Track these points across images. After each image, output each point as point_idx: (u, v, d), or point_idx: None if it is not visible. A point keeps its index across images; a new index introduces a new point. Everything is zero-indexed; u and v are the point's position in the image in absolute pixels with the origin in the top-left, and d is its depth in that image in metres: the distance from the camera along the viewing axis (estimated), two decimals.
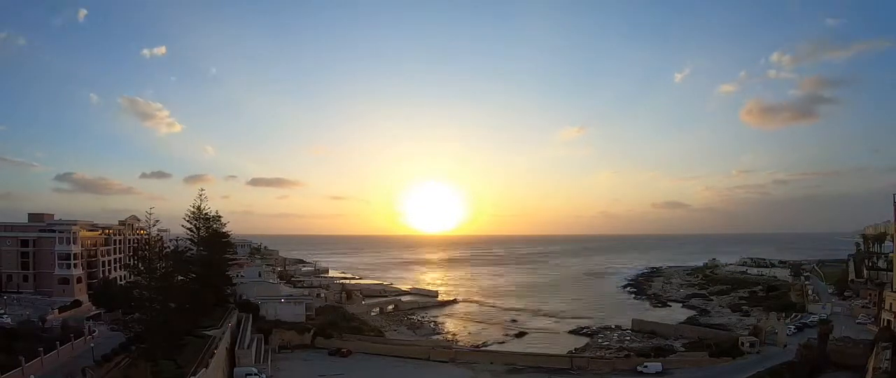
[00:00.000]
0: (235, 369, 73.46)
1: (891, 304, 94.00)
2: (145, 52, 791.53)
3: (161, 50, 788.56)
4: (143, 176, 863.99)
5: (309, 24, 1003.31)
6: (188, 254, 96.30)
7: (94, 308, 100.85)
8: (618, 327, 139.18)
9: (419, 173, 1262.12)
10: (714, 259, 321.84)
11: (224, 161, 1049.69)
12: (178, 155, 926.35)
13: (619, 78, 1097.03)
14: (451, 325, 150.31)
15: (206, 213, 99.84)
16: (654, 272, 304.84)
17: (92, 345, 64.91)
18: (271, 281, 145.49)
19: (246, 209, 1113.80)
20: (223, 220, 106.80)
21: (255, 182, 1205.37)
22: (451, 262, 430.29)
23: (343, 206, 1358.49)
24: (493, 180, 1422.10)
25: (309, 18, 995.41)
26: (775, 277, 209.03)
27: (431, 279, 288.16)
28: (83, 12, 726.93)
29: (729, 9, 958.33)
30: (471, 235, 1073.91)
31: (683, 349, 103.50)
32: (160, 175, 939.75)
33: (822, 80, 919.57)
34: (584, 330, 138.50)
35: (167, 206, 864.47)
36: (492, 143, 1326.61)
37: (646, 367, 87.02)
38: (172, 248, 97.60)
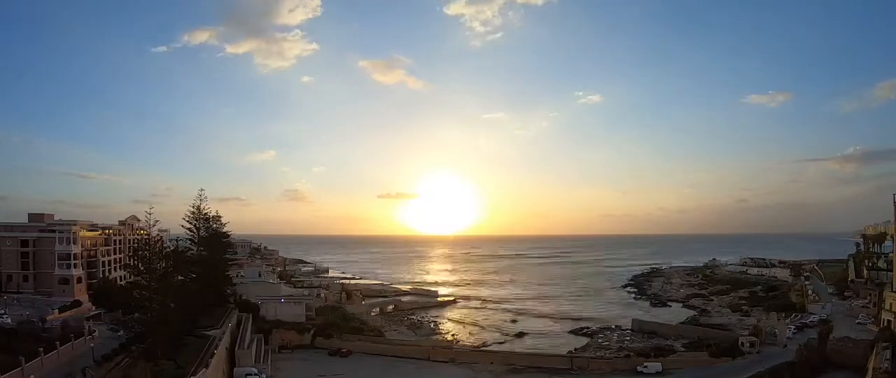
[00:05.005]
0: (235, 369, 73.54)
1: (891, 304, 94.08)
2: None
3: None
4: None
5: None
6: (188, 254, 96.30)
7: (94, 308, 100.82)
8: (618, 327, 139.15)
9: (445, 181, 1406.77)
10: (714, 259, 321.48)
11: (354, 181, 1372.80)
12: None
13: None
14: (451, 325, 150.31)
15: (205, 213, 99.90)
16: (654, 272, 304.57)
17: (92, 345, 64.83)
18: (271, 281, 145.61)
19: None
20: (223, 220, 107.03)
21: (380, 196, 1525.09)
22: (453, 262, 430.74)
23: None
24: (506, 185, 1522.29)
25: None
26: (775, 277, 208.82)
27: (441, 278, 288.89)
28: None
29: None
30: (482, 236, 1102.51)
31: (683, 349, 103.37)
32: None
33: None
34: (584, 330, 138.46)
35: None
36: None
37: (646, 367, 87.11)
38: (172, 248, 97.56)
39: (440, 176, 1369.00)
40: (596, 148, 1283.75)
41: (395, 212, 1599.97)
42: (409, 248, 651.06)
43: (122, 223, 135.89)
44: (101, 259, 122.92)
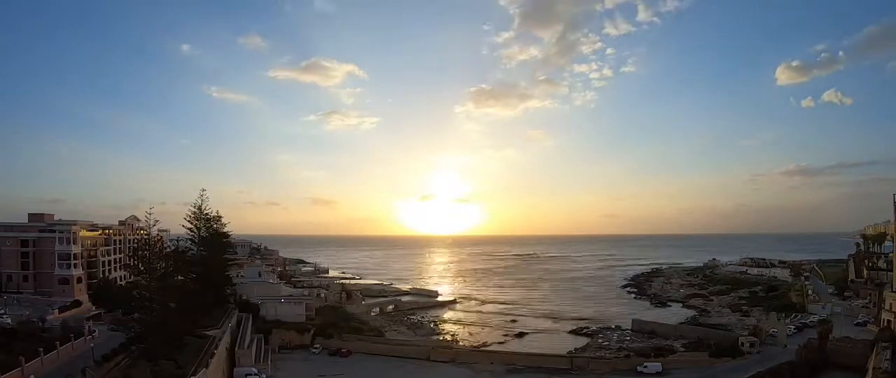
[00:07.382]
0: (235, 369, 73.51)
1: (891, 304, 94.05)
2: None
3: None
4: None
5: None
6: (188, 254, 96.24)
7: (94, 308, 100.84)
8: (618, 327, 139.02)
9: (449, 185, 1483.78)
10: (714, 259, 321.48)
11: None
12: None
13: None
14: (451, 325, 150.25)
15: (206, 214, 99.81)
16: (654, 272, 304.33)
17: (92, 345, 64.78)
18: (271, 281, 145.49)
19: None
20: (223, 220, 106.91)
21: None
22: (454, 262, 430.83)
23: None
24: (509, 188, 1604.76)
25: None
26: (775, 277, 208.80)
27: (441, 278, 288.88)
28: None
29: None
30: (483, 236, 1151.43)
31: (683, 349, 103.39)
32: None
33: None
34: (584, 330, 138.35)
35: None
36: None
37: (646, 367, 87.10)
38: (172, 248, 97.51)
39: (453, 183, 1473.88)
40: (596, 157, 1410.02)
41: (407, 214, 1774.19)
42: (424, 247, 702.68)
43: (122, 223, 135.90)
44: (101, 259, 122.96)
